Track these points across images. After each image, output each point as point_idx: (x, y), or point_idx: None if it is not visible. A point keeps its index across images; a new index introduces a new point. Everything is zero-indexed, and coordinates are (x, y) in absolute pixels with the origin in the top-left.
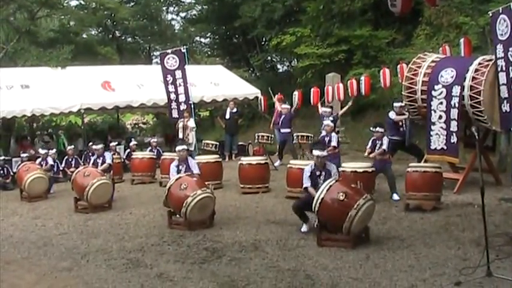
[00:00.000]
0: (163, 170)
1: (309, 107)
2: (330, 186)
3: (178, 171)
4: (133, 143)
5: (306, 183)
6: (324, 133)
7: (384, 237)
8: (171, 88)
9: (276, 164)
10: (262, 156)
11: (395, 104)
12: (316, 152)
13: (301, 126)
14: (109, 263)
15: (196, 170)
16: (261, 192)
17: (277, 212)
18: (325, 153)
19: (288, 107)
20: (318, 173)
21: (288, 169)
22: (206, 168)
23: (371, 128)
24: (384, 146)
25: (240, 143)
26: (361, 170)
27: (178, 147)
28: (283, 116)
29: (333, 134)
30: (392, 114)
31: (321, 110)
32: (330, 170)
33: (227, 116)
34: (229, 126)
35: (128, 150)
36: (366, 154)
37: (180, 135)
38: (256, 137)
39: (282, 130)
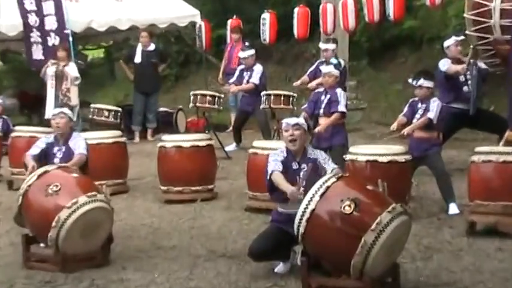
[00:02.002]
0: (14, 158)
1: (290, 43)
2: (327, 188)
3: (47, 157)
4: None
5: (273, 167)
6: (320, 89)
7: (427, 284)
8: (28, 4)
9: (229, 148)
10: (202, 133)
11: (446, 43)
12: (286, 121)
13: (277, 78)
14: None
15: (80, 150)
16: (200, 201)
17: (229, 238)
18: (301, 120)
19: (252, 52)
20: (294, 165)
21: (249, 157)
22: (98, 156)
23: (410, 80)
24: (431, 114)
25: (162, 109)
26: (384, 159)
27: (53, 111)
28: (244, 71)
29: (338, 90)
30: (444, 63)
31: (322, 47)
32: (316, 159)
33: (138, 59)
34: (142, 78)
35: None
36: (395, 126)
37: (51, 92)
38: (192, 98)
39: (244, 93)
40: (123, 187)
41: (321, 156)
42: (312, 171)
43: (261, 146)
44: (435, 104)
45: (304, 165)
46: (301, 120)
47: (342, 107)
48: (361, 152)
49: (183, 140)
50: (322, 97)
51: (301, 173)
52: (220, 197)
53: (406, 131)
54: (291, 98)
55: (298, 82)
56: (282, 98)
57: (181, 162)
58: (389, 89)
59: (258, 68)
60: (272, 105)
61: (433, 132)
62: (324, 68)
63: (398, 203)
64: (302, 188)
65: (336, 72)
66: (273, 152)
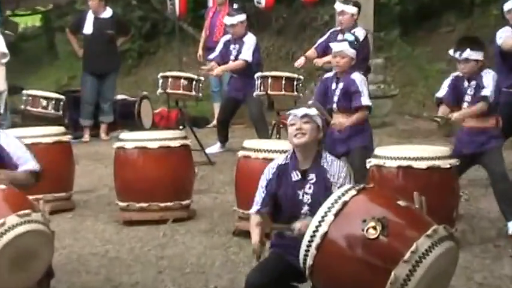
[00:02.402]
0: None
1: (294, 7)
2: (344, 203)
3: None
4: None
5: (257, 204)
6: (328, 74)
7: None
8: None
9: (212, 149)
10: (175, 129)
11: (507, 6)
12: (293, 112)
13: (276, 54)
14: None
15: (28, 165)
16: (172, 222)
17: (211, 271)
18: (312, 111)
19: (243, 18)
20: (294, 175)
21: (239, 162)
22: None
23: (451, 52)
24: (487, 91)
25: (121, 97)
26: (422, 165)
27: None
28: (230, 43)
29: (356, 76)
30: (502, 34)
31: (338, 8)
32: (327, 172)
33: (88, 30)
34: (93, 55)
35: None
36: (441, 114)
37: None
38: (162, 82)
39: (231, 74)
40: (67, 203)
41: (336, 170)
42: (321, 186)
43: (255, 147)
44: (490, 77)
45: (312, 176)
46: (313, 111)
47: (366, 99)
48: (390, 154)
49: (148, 139)
50: (333, 86)
51: (307, 187)
52: (199, 217)
53: (455, 116)
54: (295, 82)
55: (301, 60)
56: (284, 82)
57: (147, 169)
58: (429, 69)
59: (250, 40)
60: (270, 92)
61: (490, 118)
62: (335, 46)
63: (441, 225)
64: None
65: (351, 53)
66: (270, 165)
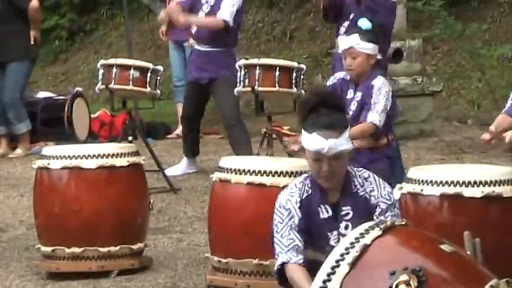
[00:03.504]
0: None
1: None
2: (364, 248)
3: None
4: None
5: (286, 255)
6: (342, 74)
7: None
8: None
9: (175, 170)
10: (122, 142)
11: None
12: (317, 147)
13: (267, 34)
14: None
15: None
16: (118, 274)
17: None
18: (340, 143)
19: None
20: (323, 211)
21: (213, 189)
22: None
23: None
24: None
25: (44, 96)
26: (476, 193)
27: None
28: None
29: (377, 82)
30: None
31: None
32: (366, 198)
33: None
34: None
35: None
36: (493, 130)
37: None
38: (102, 74)
39: (193, 45)
40: None
41: (373, 186)
42: (358, 213)
43: (236, 167)
44: None
45: (346, 209)
46: (342, 142)
47: (374, 115)
48: (431, 178)
49: (83, 156)
50: (349, 93)
51: (343, 226)
52: (156, 267)
53: (510, 136)
54: (294, 74)
55: None
56: (278, 74)
57: (81, 198)
58: (486, 55)
59: None
60: (258, 87)
61: None
62: (342, 41)
63: (504, 279)
64: None
65: (368, 48)
66: (282, 195)
